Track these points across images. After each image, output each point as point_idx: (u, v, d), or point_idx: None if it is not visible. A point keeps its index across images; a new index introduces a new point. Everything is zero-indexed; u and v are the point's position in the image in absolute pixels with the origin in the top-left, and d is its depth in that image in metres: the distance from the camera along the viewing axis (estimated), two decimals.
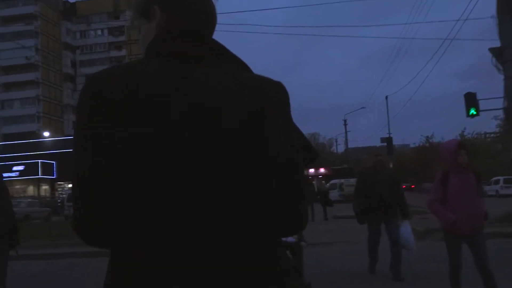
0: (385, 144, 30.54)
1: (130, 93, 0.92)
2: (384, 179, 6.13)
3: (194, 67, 1.01)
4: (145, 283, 0.88)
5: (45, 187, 44.48)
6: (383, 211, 6.01)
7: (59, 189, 43.15)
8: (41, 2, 66.72)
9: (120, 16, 69.63)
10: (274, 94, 1.05)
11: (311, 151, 1.12)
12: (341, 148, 74.50)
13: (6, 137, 56.43)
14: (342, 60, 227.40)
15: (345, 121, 53.03)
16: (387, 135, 32.34)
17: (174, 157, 0.91)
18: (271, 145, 1.00)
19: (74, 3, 73.55)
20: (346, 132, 53.40)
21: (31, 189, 43.26)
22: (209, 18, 1.12)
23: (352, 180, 35.39)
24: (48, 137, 48.32)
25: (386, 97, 36.48)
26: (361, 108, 54.60)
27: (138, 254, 0.90)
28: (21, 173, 41.98)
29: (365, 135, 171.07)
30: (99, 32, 73.01)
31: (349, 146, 58.83)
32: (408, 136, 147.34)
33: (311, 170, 38.15)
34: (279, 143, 1.02)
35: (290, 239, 4.76)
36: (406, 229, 5.94)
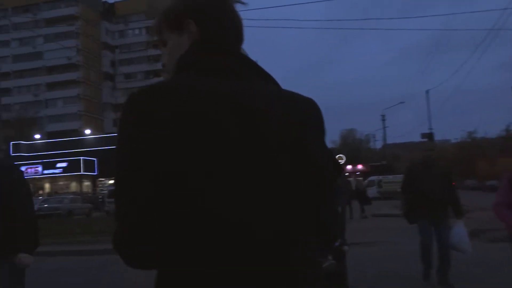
0: (425, 139, 29.70)
1: (173, 107, 0.93)
2: (434, 175, 5.74)
3: (233, 81, 1.01)
4: None
5: (87, 183, 45.86)
6: (430, 209, 5.64)
7: (100, 185, 44.35)
8: (81, 3, 68.62)
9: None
10: (309, 111, 1.08)
11: (336, 167, 1.16)
12: (378, 144, 73.14)
13: (50, 135, 58.45)
14: (380, 54, 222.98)
15: (383, 116, 52.00)
16: (427, 131, 31.43)
17: (217, 170, 0.92)
18: (309, 158, 1.02)
19: (113, 4, 75.27)
20: (384, 127, 52.37)
21: (74, 185, 44.70)
22: (240, 31, 1.14)
23: (391, 177, 34.73)
24: (89, 135, 49.73)
25: (427, 91, 35.49)
26: (400, 103, 53.21)
27: (182, 266, 0.91)
28: (64, 169, 43.45)
29: (403, 130, 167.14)
30: (136, 31, 74.47)
31: (387, 142, 57.63)
32: (449, 131, 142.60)
33: (349, 167, 37.64)
34: (316, 157, 1.04)
35: None
36: (459, 229, 5.53)
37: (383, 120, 51.87)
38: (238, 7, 1.17)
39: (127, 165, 0.93)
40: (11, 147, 44.81)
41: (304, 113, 1.06)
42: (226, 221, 0.90)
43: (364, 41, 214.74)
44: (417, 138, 34.26)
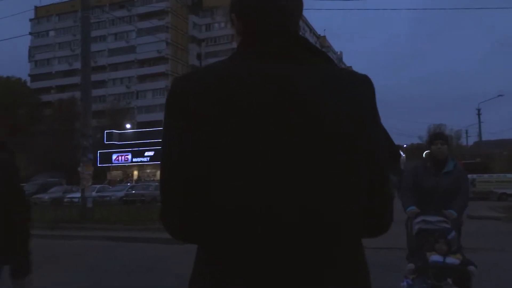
0: None
1: (213, 93, 0.96)
2: None
3: (272, 63, 1.00)
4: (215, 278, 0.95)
5: None
6: None
7: None
8: None
9: None
10: (362, 89, 1.05)
11: (393, 150, 1.01)
12: (469, 141, 68.05)
13: (140, 124, 61.49)
14: (477, 43, 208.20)
15: (478, 110, 48.08)
16: None
17: (265, 153, 0.93)
18: (360, 140, 0.98)
19: None
20: (479, 122, 48.36)
21: (159, 174, 46.65)
22: (286, 12, 1.09)
23: (486, 176, 31.95)
24: None
25: None
26: (499, 96, 48.55)
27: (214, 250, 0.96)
28: (151, 158, 45.47)
29: (498, 127, 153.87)
30: (222, 24, 75.77)
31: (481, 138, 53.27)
32: None
33: None
34: (367, 139, 1.00)
35: (451, 260, 3.69)
36: None
37: (479, 114, 48.00)
38: None
39: (173, 148, 0.98)
40: (105, 135, 47.67)
41: (356, 91, 1.02)
42: (261, 206, 0.92)
43: (460, 30, 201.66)
44: None
